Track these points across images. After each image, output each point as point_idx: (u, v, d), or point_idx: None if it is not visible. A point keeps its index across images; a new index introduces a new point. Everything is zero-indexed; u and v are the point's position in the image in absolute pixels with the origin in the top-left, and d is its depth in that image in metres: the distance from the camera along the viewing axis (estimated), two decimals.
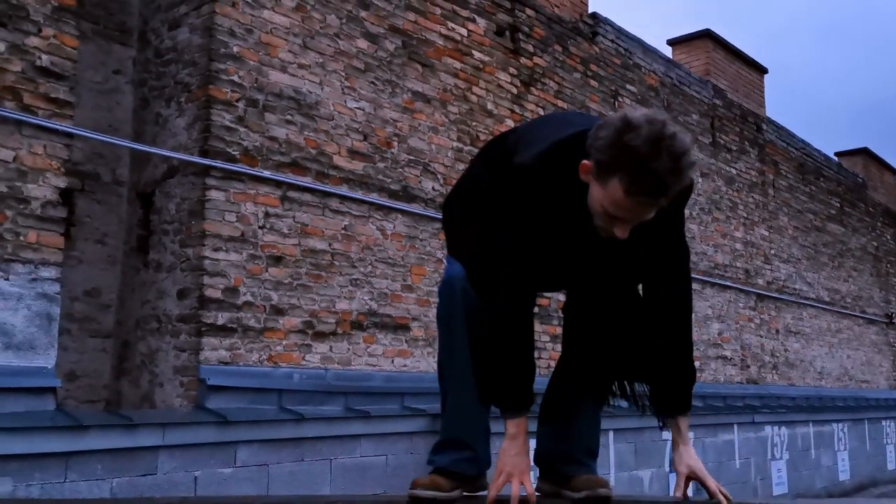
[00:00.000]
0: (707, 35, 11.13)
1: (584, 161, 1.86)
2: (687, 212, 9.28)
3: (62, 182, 4.70)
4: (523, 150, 2.05)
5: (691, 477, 2.10)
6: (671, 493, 2.17)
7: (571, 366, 2.36)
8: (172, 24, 5.87)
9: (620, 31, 9.37)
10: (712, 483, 2.05)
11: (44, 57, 4.67)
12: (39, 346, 4.49)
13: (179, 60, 5.76)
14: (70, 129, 4.78)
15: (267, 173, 5.70)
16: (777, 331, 11.68)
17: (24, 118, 4.52)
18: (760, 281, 11.42)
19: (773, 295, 11.63)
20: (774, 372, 11.49)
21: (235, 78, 5.62)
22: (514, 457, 2.04)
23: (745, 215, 11.28)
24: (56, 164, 4.68)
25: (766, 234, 11.76)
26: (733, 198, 11.07)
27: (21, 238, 4.48)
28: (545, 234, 2.05)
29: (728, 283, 10.61)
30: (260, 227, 5.65)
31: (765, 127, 12.03)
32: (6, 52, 4.51)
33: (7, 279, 4.41)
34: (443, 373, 2.26)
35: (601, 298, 2.21)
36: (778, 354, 11.68)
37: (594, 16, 9.09)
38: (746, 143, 11.57)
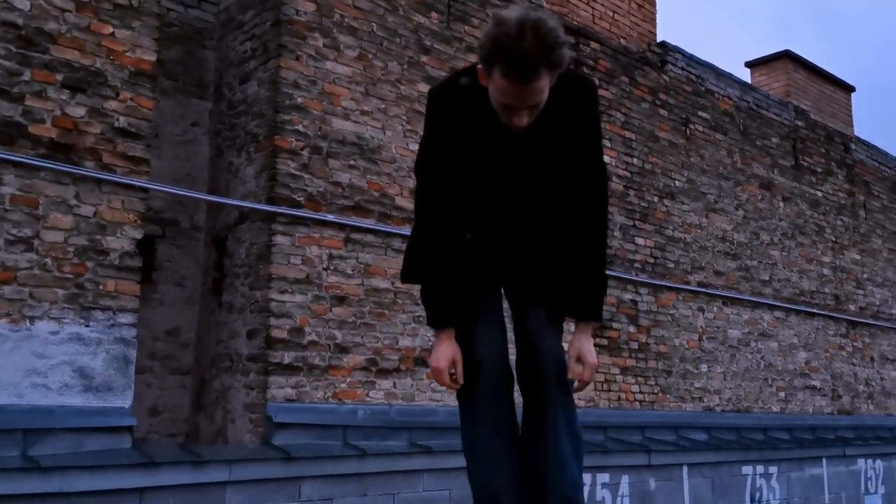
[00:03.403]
0: (786, 56, 10.87)
1: (478, 66, 2.07)
2: (767, 237, 9.02)
3: (139, 233, 5.07)
4: None
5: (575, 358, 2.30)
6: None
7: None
8: (243, 78, 6.24)
9: (691, 59, 9.29)
10: (576, 366, 2.28)
11: (121, 118, 5.07)
12: (117, 388, 4.84)
13: (249, 112, 6.11)
14: (145, 184, 5.16)
15: (331, 217, 5.96)
16: (872, 358, 11.18)
17: (103, 176, 4.92)
18: (852, 307, 10.98)
19: (868, 321, 11.15)
20: (870, 402, 10.99)
21: (300, 127, 5.91)
22: (435, 357, 2.28)
23: (833, 239, 10.90)
24: (133, 216, 5.05)
25: (858, 257, 11.31)
26: (819, 221, 10.72)
27: (101, 287, 4.86)
28: (466, 150, 2.24)
29: (815, 311, 10.25)
30: (324, 269, 5.90)
31: (853, 146, 11.61)
32: (86, 116, 4.92)
33: (87, 325, 4.78)
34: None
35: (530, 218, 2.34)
36: (873, 383, 11.17)
37: (663, 44, 9.04)
38: (833, 164, 11.19)
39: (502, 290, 2.47)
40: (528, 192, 2.31)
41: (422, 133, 2.40)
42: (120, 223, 4.99)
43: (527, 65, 1.90)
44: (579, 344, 2.31)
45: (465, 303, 2.31)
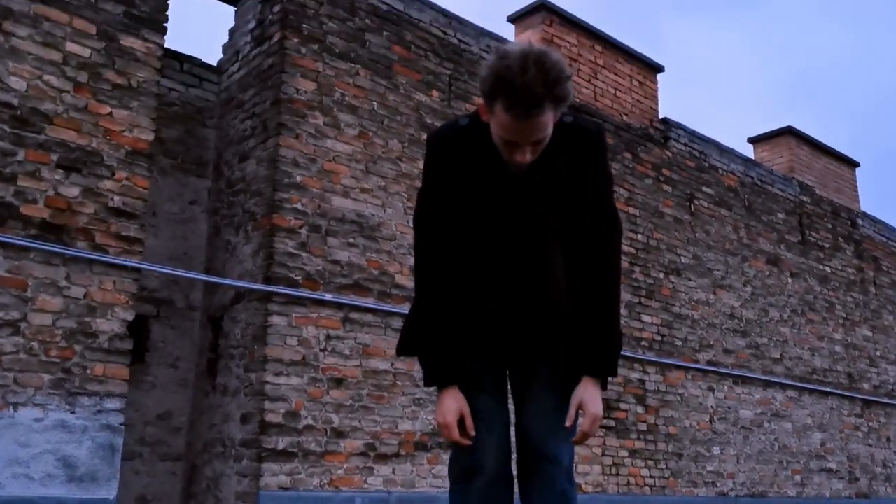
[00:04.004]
0: (789, 132, 10.87)
1: (479, 102, 2.02)
2: (776, 313, 8.81)
3: (130, 315, 4.94)
4: None
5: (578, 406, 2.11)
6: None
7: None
8: (242, 157, 6.20)
9: (693, 134, 9.28)
10: (576, 413, 2.08)
11: (116, 198, 4.99)
12: (102, 478, 4.63)
13: (247, 191, 6.04)
14: (138, 265, 5.05)
15: (328, 296, 5.82)
16: (888, 439, 10.83)
17: (95, 257, 4.81)
18: (866, 385, 10.69)
19: (883, 400, 10.85)
20: (887, 484, 10.59)
21: (299, 206, 5.83)
22: (441, 411, 2.11)
23: (843, 315, 10.69)
24: (125, 297, 4.92)
25: (870, 334, 11.08)
26: (829, 297, 10.54)
27: (88, 371, 4.70)
28: (467, 193, 2.13)
29: (829, 390, 9.98)
30: (321, 350, 5.73)
31: (860, 221, 11.51)
32: (80, 196, 4.85)
33: (73, 412, 4.60)
34: None
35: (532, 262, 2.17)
36: (891, 465, 10.79)
37: (665, 121, 9.05)
38: (840, 239, 11.08)
39: (507, 371, 2.28)
40: (532, 239, 2.16)
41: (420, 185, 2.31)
42: (111, 304, 4.86)
43: (530, 99, 1.84)
44: (583, 391, 2.11)
45: (465, 358, 2.14)
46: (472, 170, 2.12)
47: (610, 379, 2.18)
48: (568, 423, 2.10)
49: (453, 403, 2.11)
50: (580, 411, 2.10)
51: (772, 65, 51.13)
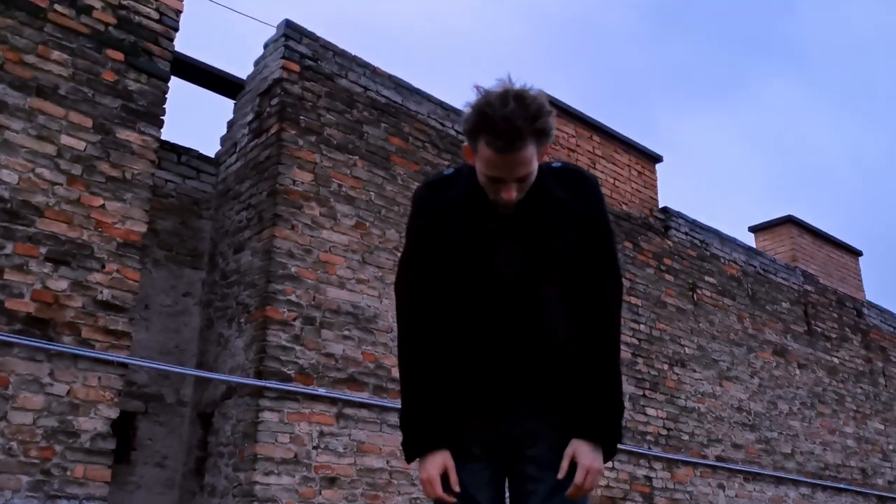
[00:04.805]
0: (790, 221, 10.86)
1: (465, 145, 1.99)
2: (785, 406, 8.58)
3: (114, 413, 4.76)
4: None
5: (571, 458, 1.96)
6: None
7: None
8: (237, 248, 6.12)
9: (694, 223, 9.24)
10: (569, 465, 1.93)
11: (105, 291, 4.89)
12: None
13: (241, 282, 5.94)
14: (125, 360, 4.90)
15: (322, 391, 5.65)
16: None
17: (80, 352, 4.67)
18: (880, 481, 10.32)
19: None
20: None
21: (293, 297, 5.72)
22: (424, 468, 1.99)
23: (854, 408, 10.42)
24: (109, 394, 4.76)
25: (882, 427, 10.77)
26: (839, 389, 10.29)
27: (68, 473, 4.49)
28: (453, 244, 2.05)
29: (843, 486, 9.62)
30: (314, 448, 5.52)
31: (866, 311, 11.36)
32: (68, 290, 4.74)
33: None
34: None
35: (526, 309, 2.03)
36: None
37: (665, 210, 9.02)
38: (847, 329, 10.90)
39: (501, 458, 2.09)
40: (525, 287, 2.01)
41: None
42: (95, 402, 4.69)
43: (511, 132, 1.84)
44: (577, 444, 1.94)
45: (452, 429, 2.00)
46: (459, 216, 2.04)
47: (610, 454, 2.00)
48: (560, 476, 1.92)
49: (437, 460, 1.97)
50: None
51: (767, 154, 51.92)
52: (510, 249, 2.01)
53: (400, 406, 2.07)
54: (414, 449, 1.99)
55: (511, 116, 1.82)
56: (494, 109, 1.83)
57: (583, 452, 1.93)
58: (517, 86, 1.85)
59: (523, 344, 2.00)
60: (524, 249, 2.01)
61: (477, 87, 1.89)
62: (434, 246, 2.06)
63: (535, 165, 1.92)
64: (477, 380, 2.01)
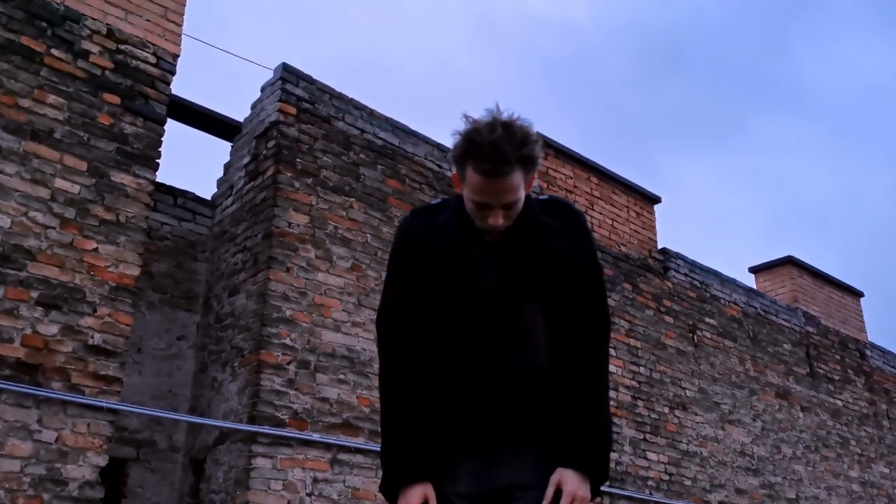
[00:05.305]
0: (790, 261, 10.81)
1: (453, 173, 2.02)
2: (789, 450, 8.42)
3: (103, 460, 4.68)
4: None
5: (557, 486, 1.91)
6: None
7: None
8: (232, 291, 6.08)
9: (694, 264, 9.19)
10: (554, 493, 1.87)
11: (96, 335, 4.83)
12: None
13: (236, 325, 5.89)
14: (114, 405, 4.82)
15: (316, 436, 5.56)
16: None
17: (69, 398, 4.60)
18: None
19: None
20: None
21: (287, 341, 5.66)
22: (404, 495, 1.94)
23: (859, 451, 10.26)
24: (98, 441, 4.68)
25: (887, 470, 10.60)
26: (843, 432, 10.14)
27: None
28: (441, 269, 2.03)
29: None
30: (307, 495, 5.41)
31: (868, 353, 11.25)
32: (58, 334, 4.68)
33: None
34: None
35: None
36: None
37: (664, 251, 8.98)
38: (850, 371, 10.78)
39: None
40: (510, 316, 1.98)
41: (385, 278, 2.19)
42: (83, 449, 4.61)
43: (498, 156, 1.86)
44: (563, 471, 1.89)
45: (434, 456, 1.94)
46: (445, 242, 2.03)
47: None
48: (544, 503, 1.87)
49: (418, 490, 1.92)
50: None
51: (766, 195, 52.05)
52: (496, 276, 2.00)
53: (381, 442, 2.03)
54: (395, 481, 1.94)
55: (498, 142, 1.85)
56: (482, 136, 1.86)
57: (568, 479, 1.88)
58: (505, 115, 1.90)
59: (508, 368, 1.96)
60: (510, 277, 2.00)
61: (466, 116, 1.92)
62: (419, 272, 2.04)
63: (521, 193, 1.94)
64: (461, 408, 1.97)
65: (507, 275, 1.99)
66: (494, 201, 1.91)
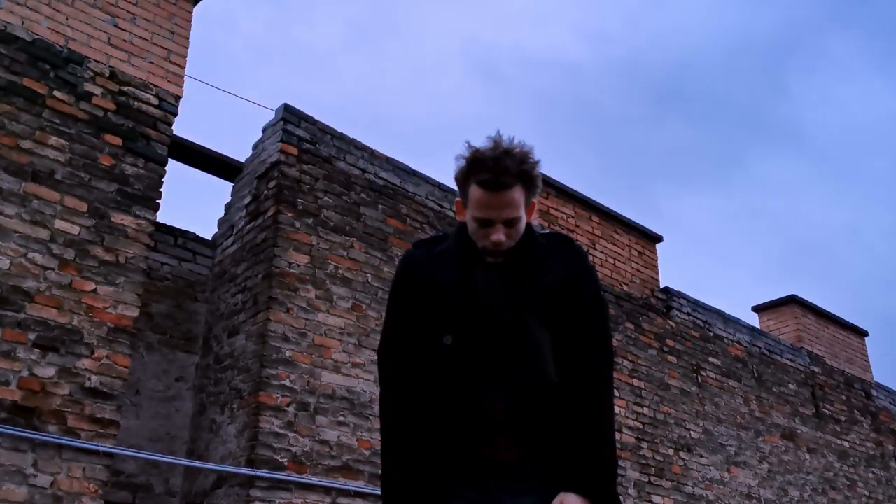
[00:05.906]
0: (793, 300, 10.75)
1: (456, 199, 2.08)
2: (796, 492, 8.30)
3: None
4: None
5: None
6: None
7: None
8: (232, 331, 6.03)
9: (697, 304, 9.14)
10: None
11: (93, 378, 4.78)
12: None
13: (235, 367, 5.83)
14: (110, 449, 4.75)
15: (315, 480, 5.47)
16: None
17: (65, 441, 4.53)
18: None
19: None
20: None
21: (287, 382, 5.60)
22: None
23: (866, 493, 10.10)
24: (94, 486, 4.60)
25: None
26: (850, 474, 9.99)
27: None
28: (443, 296, 2.04)
29: None
30: None
31: (874, 393, 11.14)
32: (55, 377, 4.63)
33: None
34: None
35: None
36: None
37: (667, 290, 8.94)
38: (856, 411, 10.66)
39: None
40: (514, 339, 1.97)
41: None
42: (78, 493, 4.53)
43: (500, 170, 1.94)
44: (563, 496, 1.87)
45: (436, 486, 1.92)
46: (447, 263, 2.06)
47: None
48: None
49: None
50: None
51: (767, 233, 52.13)
52: (500, 294, 2.01)
53: (381, 473, 2.02)
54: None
55: (500, 157, 1.94)
56: (485, 156, 1.96)
57: (570, 502, 1.86)
58: (506, 141, 1.99)
59: (513, 384, 1.95)
60: (514, 297, 2.01)
61: (468, 143, 2.00)
62: (421, 298, 2.06)
63: (522, 212, 1.99)
64: (462, 435, 1.95)
65: (510, 293, 2.01)
66: (496, 216, 1.96)
